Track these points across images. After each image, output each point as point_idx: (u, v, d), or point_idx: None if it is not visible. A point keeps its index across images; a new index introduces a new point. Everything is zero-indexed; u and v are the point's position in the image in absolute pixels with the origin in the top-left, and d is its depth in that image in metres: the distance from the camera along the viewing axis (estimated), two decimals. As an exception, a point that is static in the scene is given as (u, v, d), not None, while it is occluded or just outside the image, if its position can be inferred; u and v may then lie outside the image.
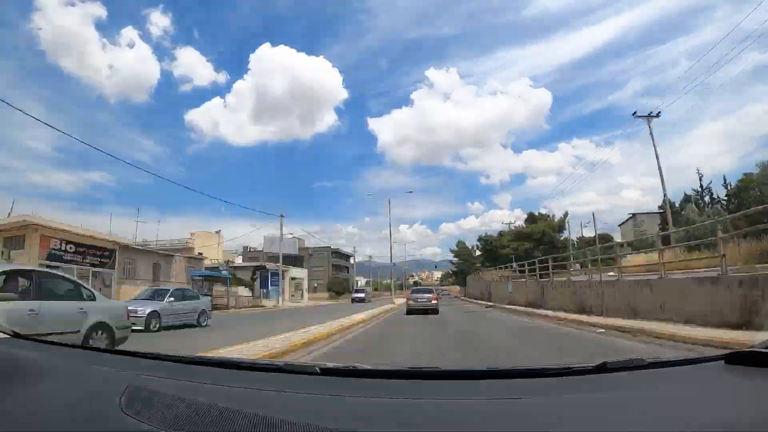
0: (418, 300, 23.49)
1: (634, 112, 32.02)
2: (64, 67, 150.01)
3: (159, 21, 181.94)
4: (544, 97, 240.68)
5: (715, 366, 1.31)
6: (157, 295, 16.89)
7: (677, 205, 38.93)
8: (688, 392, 1.19)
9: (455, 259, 70.15)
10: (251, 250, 75.41)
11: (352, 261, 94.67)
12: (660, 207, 39.48)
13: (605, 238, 50.85)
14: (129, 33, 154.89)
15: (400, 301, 39.15)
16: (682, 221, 32.69)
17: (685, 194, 41.11)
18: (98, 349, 1.85)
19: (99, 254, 27.03)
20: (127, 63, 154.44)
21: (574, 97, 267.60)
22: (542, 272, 24.98)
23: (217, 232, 54.20)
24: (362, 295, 55.76)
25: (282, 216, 47.18)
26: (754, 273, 9.50)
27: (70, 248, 24.91)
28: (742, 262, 12.75)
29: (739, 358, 1.26)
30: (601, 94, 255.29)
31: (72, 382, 1.39)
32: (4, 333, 1.76)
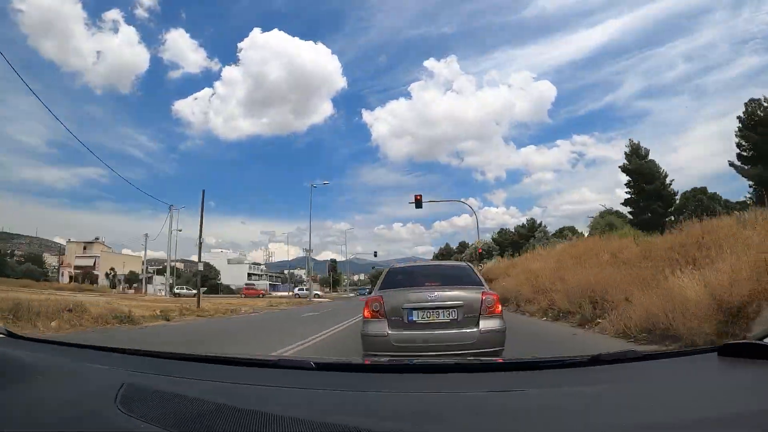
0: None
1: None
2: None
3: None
4: (542, 95, 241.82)
5: (708, 357, 1.32)
6: None
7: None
8: (682, 383, 1.21)
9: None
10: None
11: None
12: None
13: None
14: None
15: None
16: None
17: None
18: (93, 347, 1.85)
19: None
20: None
21: (572, 97, 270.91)
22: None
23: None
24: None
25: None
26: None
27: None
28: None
29: (733, 350, 1.26)
30: (599, 95, 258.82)
31: (67, 380, 1.39)
32: None
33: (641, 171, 35.73)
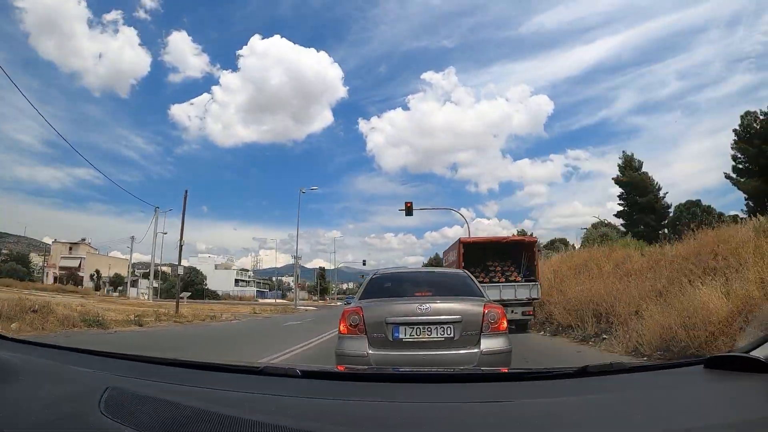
0: None
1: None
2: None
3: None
4: (538, 108, 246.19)
5: (694, 370, 1.36)
6: None
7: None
8: (669, 395, 1.20)
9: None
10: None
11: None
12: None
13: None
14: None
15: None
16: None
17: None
18: (78, 350, 1.79)
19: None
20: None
21: (567, 111, 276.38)
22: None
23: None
24: None
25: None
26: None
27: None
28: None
29: (719, 362, 1.29)
30: (593, 110, 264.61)
31: (51, 382, 1.36)
32: None
33: (634, 183, 35.71)
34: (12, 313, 11.82)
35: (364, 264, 70.82)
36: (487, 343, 4.12)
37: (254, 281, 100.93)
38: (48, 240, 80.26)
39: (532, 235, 33.42)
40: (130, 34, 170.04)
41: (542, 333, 12.08)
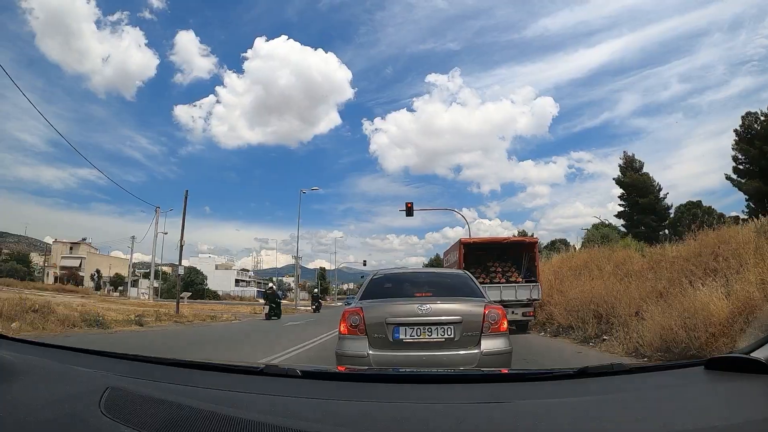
0: None
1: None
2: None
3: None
4: (543, 111, 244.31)
5: (694, 371, 1.35)
6: None
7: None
8: (669, 396, 1.20)
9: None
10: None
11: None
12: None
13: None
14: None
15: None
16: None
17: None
18: (79, 350, 1.77)
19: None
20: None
21: (571, 114, 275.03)
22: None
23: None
24: None
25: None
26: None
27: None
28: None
29: (719, 363, 1.29)
30: (596, 112, 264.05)
31: (52, 382, 1.36)
32: None
33: (635, 184, 35.68)
34: (12, 312, 11.75)
35: (364, 264, 70.47)
36: (488, 344, 4.11)
37: (254, 281, 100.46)
38: (49, 240, 79.61)
39: (533, 235, 32.94)
40: (136, 34, 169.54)
41: (542, 334, 11.93)
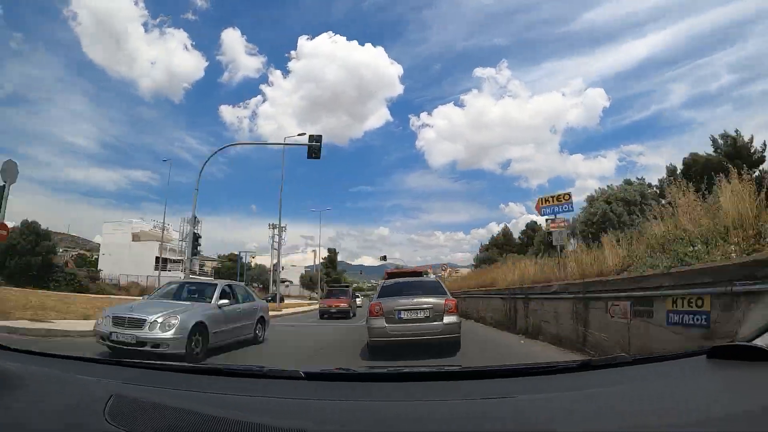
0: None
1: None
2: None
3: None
4: (592, 103, 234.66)
5: (697, 360, 1.35)
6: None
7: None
8: (672, 386, 1.20)
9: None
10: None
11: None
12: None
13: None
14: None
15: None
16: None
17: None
18: (82, 359, 1.83)
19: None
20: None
21: (620, 106, 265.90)
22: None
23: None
24: None
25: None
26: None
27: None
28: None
29: (721, 352, 1.29)
30: (646, 104, 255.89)
31: (55, 391, 1.36)
32: None
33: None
34: None
35: (384, 259, 70.82)
36: (447, 319, 7.56)
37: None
38: (99, 239, 71.05)
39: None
40: (181, 36, 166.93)
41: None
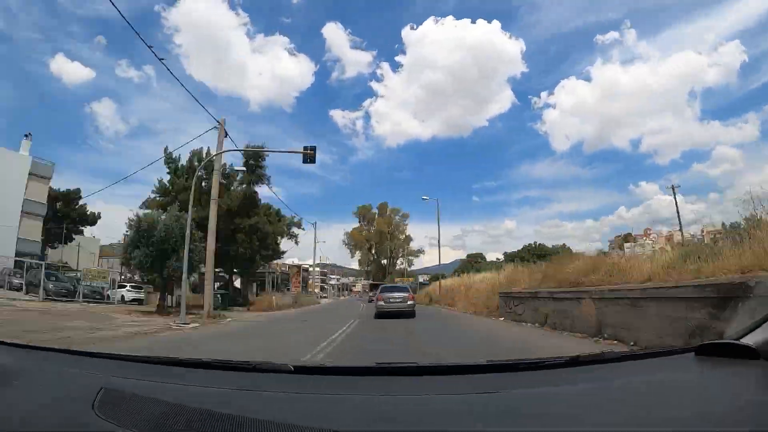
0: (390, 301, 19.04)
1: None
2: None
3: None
4: (727, 62, 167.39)
5: (685, 357, 1.36)
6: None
7: None
8: (660, 383, 1.21)
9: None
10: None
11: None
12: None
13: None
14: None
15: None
16: None
17: None
18: (71, 351, 1.84)
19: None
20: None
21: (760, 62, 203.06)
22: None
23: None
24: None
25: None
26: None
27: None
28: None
29: (709, 350, 1.30)
30: None
31: (46, 385, 1.37)
32: None
33: None
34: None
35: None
36: (409, 303, 18.59)
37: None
38: None
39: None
40: (282, 41, 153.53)
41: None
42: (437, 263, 46.37)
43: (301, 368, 1.50)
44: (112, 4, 12.78)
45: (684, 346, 1.46)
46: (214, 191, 19.93)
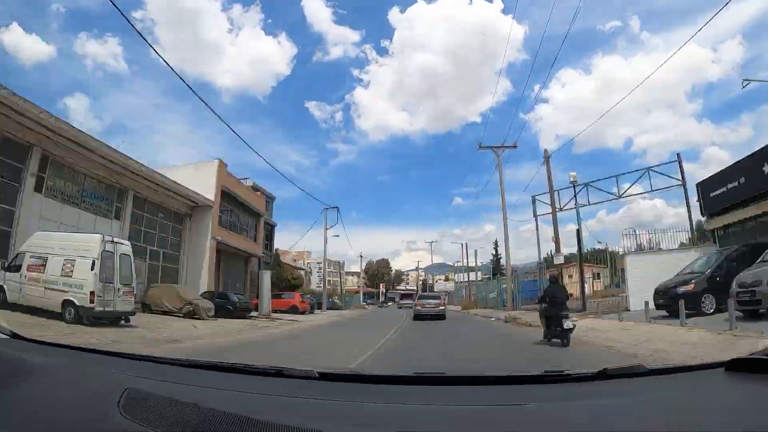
0: (425, 306, 23.84)
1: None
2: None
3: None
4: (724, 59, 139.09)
5: (715, 373, 1.32)
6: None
7: None
8: (689, 399, 1.18)
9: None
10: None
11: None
12: None
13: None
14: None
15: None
16: None
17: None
18: (97, 351, 1.85)
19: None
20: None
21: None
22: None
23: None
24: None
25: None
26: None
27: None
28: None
29: (740, 365, 1.26)
30: None
31: (71, 383, 1.39)
32: (3, 334, 1.73)
33: None
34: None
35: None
36: (441, 308, 23.05)
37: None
38: None
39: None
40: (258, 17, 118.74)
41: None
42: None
43: (327, 374, 1.50)
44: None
45: (715, 361, 1.41)
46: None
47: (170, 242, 23.77)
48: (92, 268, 12.06)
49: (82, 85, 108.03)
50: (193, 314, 17.74)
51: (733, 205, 15.48)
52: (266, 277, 25.89)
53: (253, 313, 23.40)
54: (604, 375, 1.38)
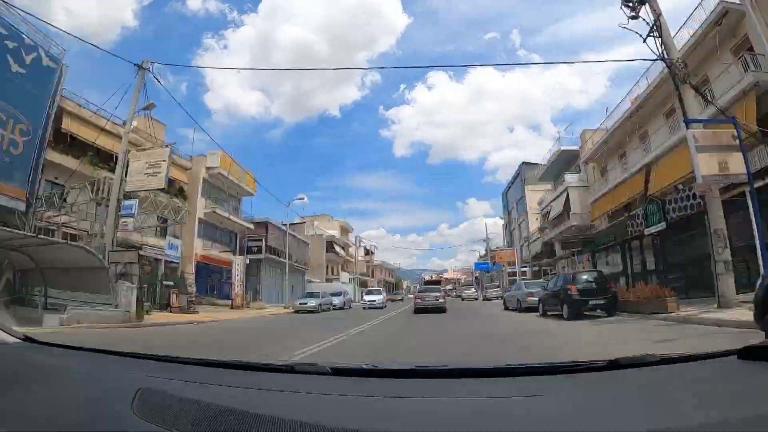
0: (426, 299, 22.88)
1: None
2: None
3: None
4: None
5: (728, 361, 1.31)
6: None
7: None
8: (702, 387, 1.19)
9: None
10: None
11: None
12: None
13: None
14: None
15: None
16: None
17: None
18: (110, 352, 1.86)
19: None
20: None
21: None
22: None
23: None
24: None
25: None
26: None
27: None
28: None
29: (753, 353, 1.25)
30: None
31: (83, 384, 1.39)
32: (15, 337, 1.74)
33: None
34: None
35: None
36: (441, 301, 22.53)
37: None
38: None
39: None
40: None
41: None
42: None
43: (340, 370, 1.50)
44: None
45: (728, 348, 1.40)
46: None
47: None
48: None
49: None
50: None
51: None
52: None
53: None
54: (615, 365, 1.37)
